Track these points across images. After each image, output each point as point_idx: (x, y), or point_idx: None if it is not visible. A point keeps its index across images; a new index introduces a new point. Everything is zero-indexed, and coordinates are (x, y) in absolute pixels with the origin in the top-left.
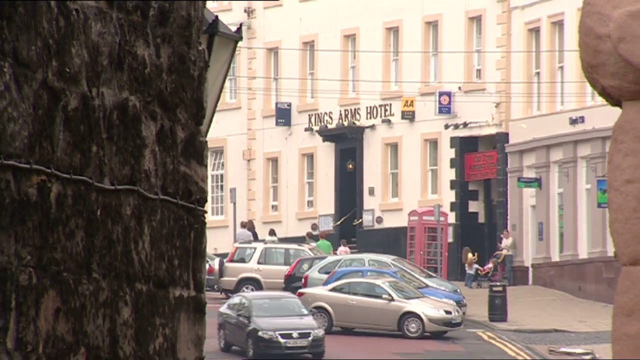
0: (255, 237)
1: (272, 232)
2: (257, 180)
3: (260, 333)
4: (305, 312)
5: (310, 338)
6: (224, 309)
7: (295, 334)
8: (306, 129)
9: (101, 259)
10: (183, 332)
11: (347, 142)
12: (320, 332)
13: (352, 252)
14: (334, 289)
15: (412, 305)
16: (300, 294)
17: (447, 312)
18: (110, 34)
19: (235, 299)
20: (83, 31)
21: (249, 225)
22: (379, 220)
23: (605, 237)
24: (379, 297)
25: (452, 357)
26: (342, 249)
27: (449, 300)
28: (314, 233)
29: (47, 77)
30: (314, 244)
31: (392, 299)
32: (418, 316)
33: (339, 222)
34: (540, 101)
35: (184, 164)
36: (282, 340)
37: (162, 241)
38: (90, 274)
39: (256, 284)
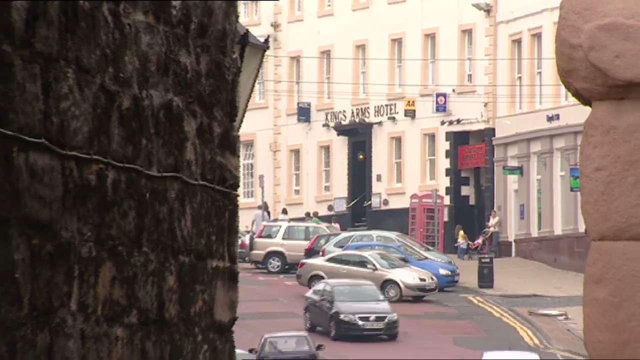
0: (269, 216)
1: (284, 211)
2: (281, 169)
3: (341, 316)
4: (382, 297)
5: (385, 321)
6: (309, 293)
7: (372, 317)
8: (323, 125)
9: (150, 235)
10: (219, 297)
11: (358, 136)
12: (394, 316)
13: (362, 230)
14: (329, 260)
15: (392, 274)
16: (302, 264)
17: (422, 280)
18: (158, 45)
19: (320, 285)
20: (135, 42)
21: (264, 207)
22: (385, 202)
23: (577, 217)
24: (365, 266)
25: (448, 318)
26: (333, 225)
27: (446, 268)
28: (312, 214)
29: (104, 81)
30: (310, 221)
31: (376, 268)
32: (396, 283)
33: (351, 204)
34: (522, 101)
35: (220, 154)
36: (360, 323)
37: (201, 220)
38: (140, 247)
39: (281, 257)
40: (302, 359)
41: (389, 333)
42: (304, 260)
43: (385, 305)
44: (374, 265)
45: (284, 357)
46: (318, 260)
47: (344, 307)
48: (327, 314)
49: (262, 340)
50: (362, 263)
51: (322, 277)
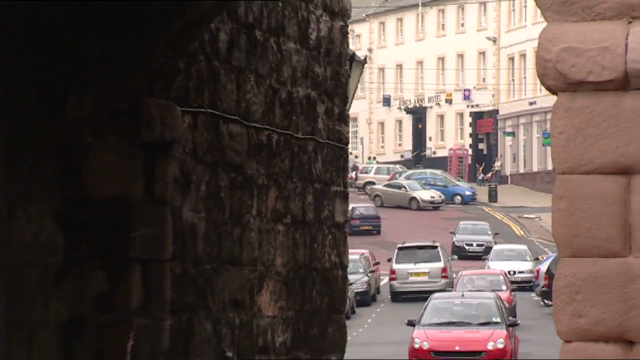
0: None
1: (355, 156)
2: (373, 133)
3: (455, 242)
4: (490, 232)
5: (484, 247)
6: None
7: (474, 244)
8: (397, 108)
9: (297, 172)
10: (337, 207)
11: (418, 114)
12: (491, 243)
13: (420, 169)
14: (384, 185)
15: (415, 193)
16: (371, 188)
17: (432, 197)
18: (302, 61)
19: (458, 224)
20: (289, 59)
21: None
22: (434, 152)
23: (547, 161)
24: (400, 188)
25: (472, 222)
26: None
27: (470, 191)
28: (376, 158)
29: (271, 82)
30: (371, 162)
31: (407, 190)
32: (416, 198)
33: (414, 154)
34: (514, 93)
35: (338, 125)
36: (466, 247)
37: (327, 163)
38: (292, 179)
39: (373, 185)
40: (370, 217)
41: (486, 256)
42: (371, 186)
43: (488, 237)
44: (405, 188)
45: (361, 216)
46: (378, 186)
47: (459, 237)
48: (451, 242)
49: (351, 208)
50: (400, 187)
51: (380, 196)
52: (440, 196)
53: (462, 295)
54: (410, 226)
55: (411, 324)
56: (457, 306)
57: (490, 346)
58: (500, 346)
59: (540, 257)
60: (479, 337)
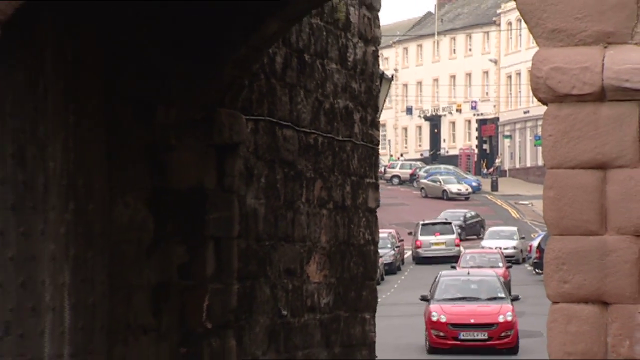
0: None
1: (400, 155)
2: (398, 136)
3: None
4: (462, 219)
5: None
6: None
7: (461, 221)
8: (418, 116)
9: (338, 167)
10: (370, 196)
11: (434, 121)
12: (458, 228)
13: (436, 164)
14: (428, 180)
15: (446, 186)
16: (417, 182)
17: (459, 189)
18: (342, 78)
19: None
20: (331, 77)
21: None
22: (447, 152)
23: (538, 158)
24: (436, 182)
25: (477, 205)
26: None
27: (476, 182)
28: (402, 157)
29: (317, 95)
30: (391, 160)
31: (441, 183)
32: (446, 190)
33: (431, 153)
34: (512, 104)
35: (370, 129)
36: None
37: (362, 160)
38: (334, 172)
39: (398, 177)
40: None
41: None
42: (418, 180)
43: (458, 222)
44: (440, 182)
45: None
46: (423, 180)
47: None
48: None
49: None
50: (435, 181)
51: (424, 188)
52: (467, 189)
53: (468, 273)
54: (426, 210)
55: (424, 299)
56: (464, 283)
57: (500, 319)
58: (509, 318)
59: (532, 235)
60: (490, 310)
